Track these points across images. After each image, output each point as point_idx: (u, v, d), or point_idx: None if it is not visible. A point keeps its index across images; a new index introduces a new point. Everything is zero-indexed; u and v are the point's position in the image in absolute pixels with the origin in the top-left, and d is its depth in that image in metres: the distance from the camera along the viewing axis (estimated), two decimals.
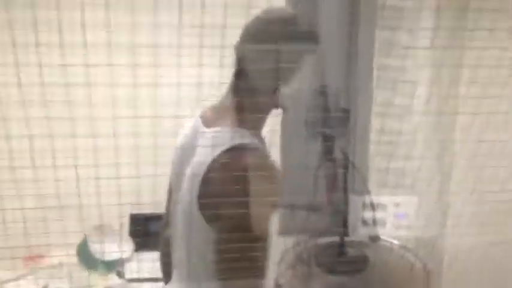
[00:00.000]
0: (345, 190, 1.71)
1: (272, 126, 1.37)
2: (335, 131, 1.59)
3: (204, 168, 1.20)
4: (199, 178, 1.20)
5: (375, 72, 1.51)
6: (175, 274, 1.44)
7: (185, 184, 1.26)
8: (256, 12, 1.20)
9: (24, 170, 1.09)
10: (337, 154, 1.66)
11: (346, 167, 1.68)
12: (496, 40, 1.13)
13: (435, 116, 1.36)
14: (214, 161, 1.19)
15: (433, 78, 1.35)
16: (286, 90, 1.23)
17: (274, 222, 1.74)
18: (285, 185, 1.76)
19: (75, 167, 1.08)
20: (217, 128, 1.25)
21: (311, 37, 1.25)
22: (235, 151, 1.18)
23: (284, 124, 1.61)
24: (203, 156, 1.21)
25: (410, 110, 1.34)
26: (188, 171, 1.26)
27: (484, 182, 1.29)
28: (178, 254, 1.41)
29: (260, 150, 1.24)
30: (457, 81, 1.32)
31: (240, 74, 1.25)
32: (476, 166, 1.28)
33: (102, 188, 1.13)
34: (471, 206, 1.31)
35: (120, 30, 1.05)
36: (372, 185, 1.67)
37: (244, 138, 1.22)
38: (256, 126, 1.29)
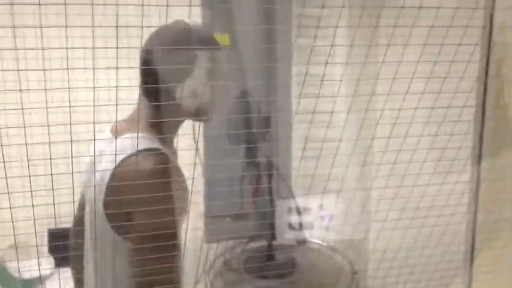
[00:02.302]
0: (271, 195, 1.71)
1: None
2: (257, 138, 1.58)
3: (107, 175, 1.18)
4: (104, 187, 1.19)
5: (294, 79, 1.51)
6: None
7: (91, 194, 1.24)
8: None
9: None
10: (261, 160, 1.65)
11: (270, 173, 1.68)
12: (410, 54, 1.15)
13: (357, 124, 1.38)
14: (117, 167, 1.17)
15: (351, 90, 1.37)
16: (182, 92, 1.24)
17: (199, 231, 1.72)
18: (211, 194, 1.73)
19: None
20: (124, 136, 1.24)
21: (212, 43, 1.29)
22: (138, 156, 1.17)
23: (207, 133, 1.58)
24: (108, 163, 1.19)
25: (333, 117, 1.35)
26: (93, 180, 1.23)
27: (406, 189, 1.32)
28: (87, 268, 1.37)
29: (164, 156, 1.22)
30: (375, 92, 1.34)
31: (145, 82, 1.27)
32: (397, 174, 1.30)
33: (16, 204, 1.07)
34: (394, 211, 1.34)
35: None
36: (297, 189, 1.67)
37: (148, 143, 1.21)
38: (165, 133, 1.29)
